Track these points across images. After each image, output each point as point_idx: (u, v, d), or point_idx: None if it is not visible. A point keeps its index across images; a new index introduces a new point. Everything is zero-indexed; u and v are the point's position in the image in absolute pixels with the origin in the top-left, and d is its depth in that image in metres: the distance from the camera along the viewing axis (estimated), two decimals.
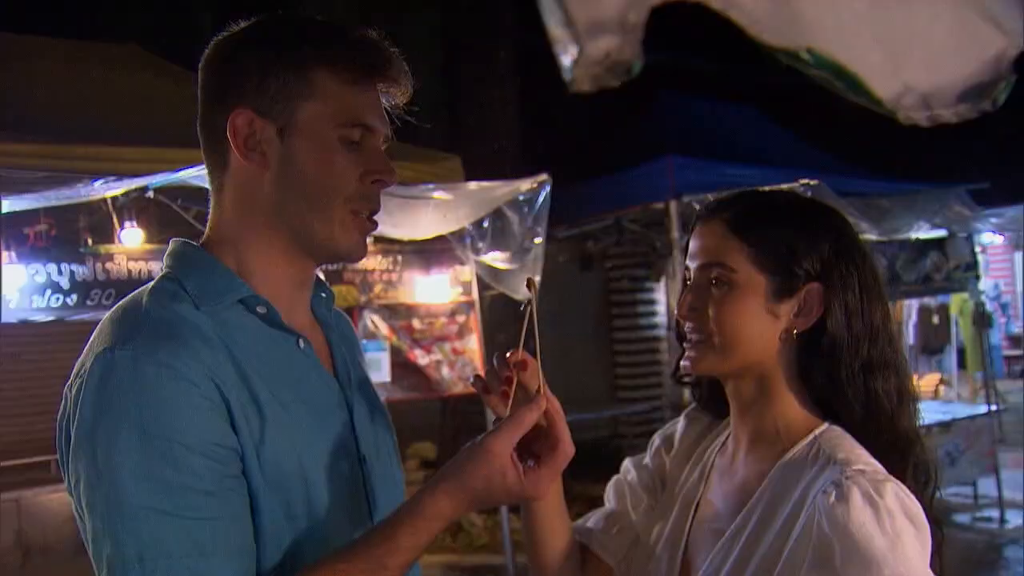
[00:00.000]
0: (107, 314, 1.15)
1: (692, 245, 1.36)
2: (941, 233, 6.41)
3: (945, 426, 6.12)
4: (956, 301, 7.97)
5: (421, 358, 5.20)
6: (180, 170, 3.92)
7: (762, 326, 1.30)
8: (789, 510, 1.24)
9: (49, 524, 4.66)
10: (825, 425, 1.30)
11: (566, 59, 0.64)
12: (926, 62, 0.87)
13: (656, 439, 1.58)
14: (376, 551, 1.08)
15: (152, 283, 1.17)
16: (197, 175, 3.95)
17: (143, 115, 4.75)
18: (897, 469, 1.24)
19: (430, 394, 5.35)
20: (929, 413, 6.11)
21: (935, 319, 8.19)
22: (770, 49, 0.76)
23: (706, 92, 8.67)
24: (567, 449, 1.19)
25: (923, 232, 6.28)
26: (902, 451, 1.28)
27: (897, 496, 1.17)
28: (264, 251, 1.19)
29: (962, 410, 6.76)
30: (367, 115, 1.19)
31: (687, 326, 1.35)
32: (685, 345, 1.36)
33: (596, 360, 9.11)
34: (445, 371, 5.28)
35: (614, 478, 1.57)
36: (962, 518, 6.61)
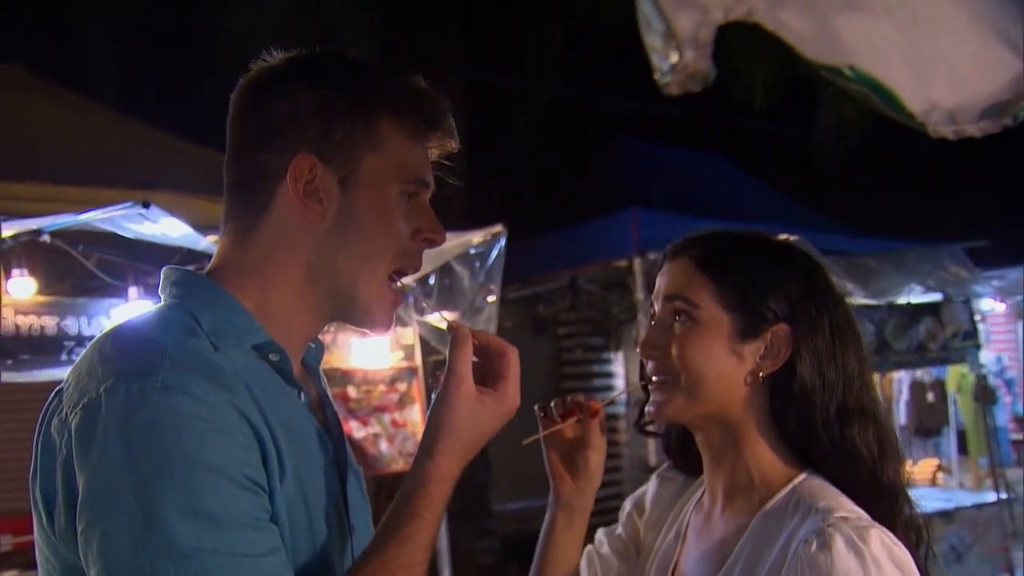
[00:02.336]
0: (96, 342, 1.19)
1: (659, 282, 1.48)
2: (936, 297, 6.61)
3: (947, 516, 6.19)
4: (953, 376, 8.11)
5: (357, 431, 5.18)
6: (84, 212, 3.89)
7: (726, 367, 1.40)
8: (770, 564, 1.32)
9: None
10: (804, 474, 1.40)
11: (665, 65, 0.84)
12: (950, 81, 1.04)
13: (627, 504, 1.69)
14: (402, 532, 1.18)
15: (157, 310, 1.23)
16: (103, 218, 3.94)
17: (36, 147, 4.72)
18: (884, 523, 1.31)
19: (366, 471, 5.18)
20: (927, 500, 6.05)
21: (930, 396, 8.33)
22: (815, 65, 0.94)
23: (673, 139, 8.89)
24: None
25: (915, 296, 6.48)
26: (887, 504, 1.37)
27: (883, 543, 1.26)
28: (294, 301, 1.27)
29: (966, 498, 6.85)
30: (426, 171, 1.30)
31: (650, 367, 1.46)
32: (650, 388, 1.46)
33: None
34: (384, 446, 5.27)
35: (587, 548, 1.66)
36: None
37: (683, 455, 1.59)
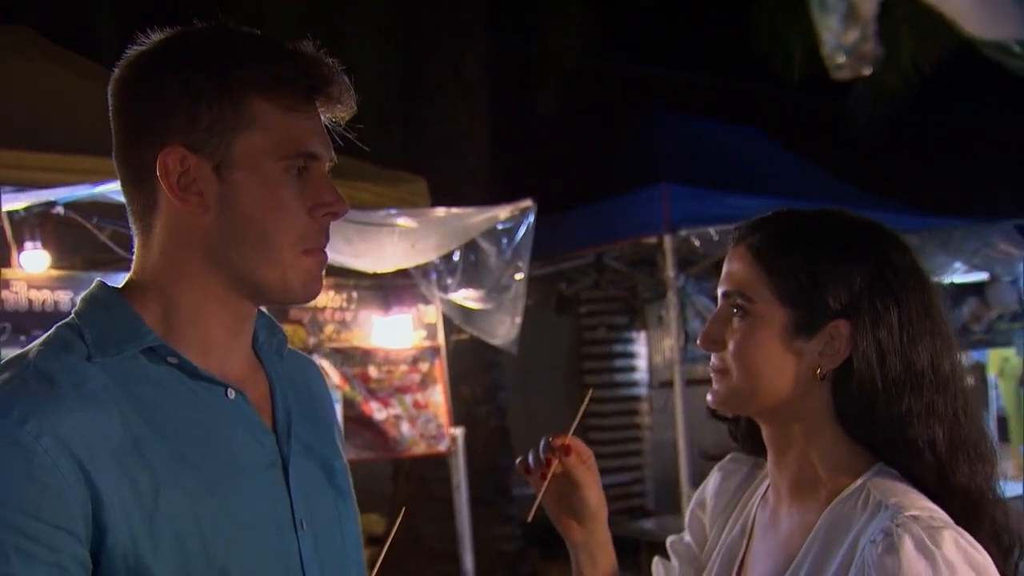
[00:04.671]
0: None
1: (723, 270, 1.46)
2: (981, 276, 6.57)
3: None
4: (995, 359, 8.05)
5: (378, 412, 5.17)
6: (100, 184, 3.90)
7: (781, 364, 1.38)
8: (838, 563, 1.30)
9: None
10: (874, 469, 1.37)
11: (842, 48, 0.82)
12: None
13: (691, 504, 1.68)
14: None
15: (53, 328, 1.25)
16: (118, 190, 3.88)
17: (47, 114, 4.70)
18: (967, 526, 1.28)
19: (387, 454, 5.35)
20: None
21: (968, 380, 8.25)
22: (978, 42, 0.89)
23: (704, 110, 8.86)
24: None
25: (960, 275, 6.43)
26: (963, 507, 1.32)
27: (958, 545, 1.22)
28: (198, 297, 1.26)
29: (1009, 489, 6.73)
30: (311, 142, 1.26)
31: (712, 356, 1.45)
32: (711, 375, 1.46)
33: (565, 421, 9.02)
34: (405, 427, 5.26)
35: (655, 559, 1.67)
36: None
37: (750, 441, 1.57)
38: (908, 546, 1.21)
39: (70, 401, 1.14)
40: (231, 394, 1.27)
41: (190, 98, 1.21)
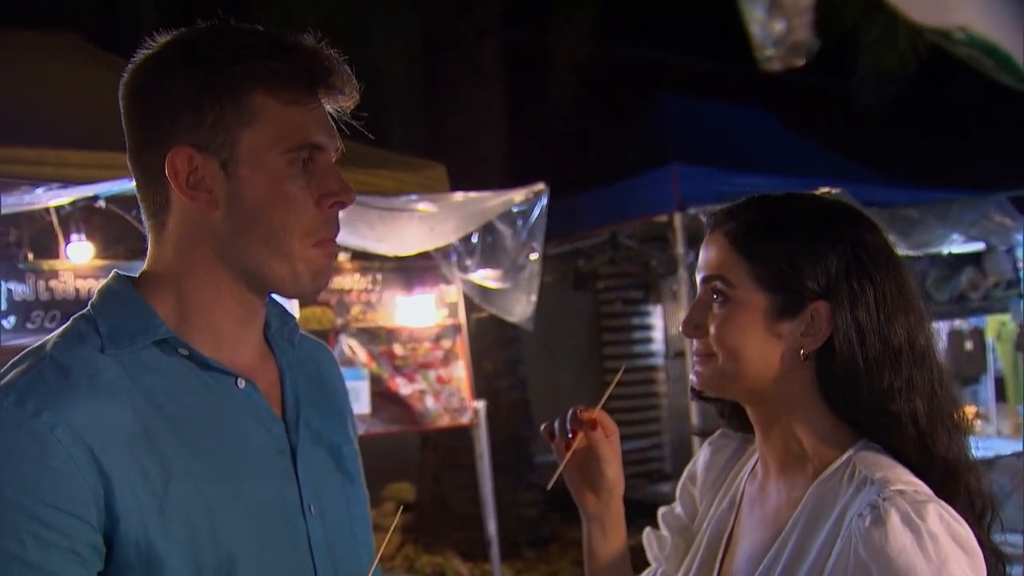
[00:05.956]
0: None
1: (700, 256, 1.42)
2: (978, 247, 6.49)
3: (987, 464, 6.13)
4: (992, 324, 7.99)
5: (403, 387, 5.21)
6: None
7: (764, 346, 1.35)
8: (825, 536, 1.28)
9: None
10: (859, 444, 1.34)
11: (769, 39, 0.79)
12: None
13: (683, 477, 1.65)
14: None
15: (70, 320, 1.23)
16: None
17: (89, 115, 4.70)
18: (945, 495, 1.27)
19: (413, 427, 5.38)
20: None
21: (968, 345, 8.21)
22: (922, 28, 0.86)
23: (711, 93, 8.78)
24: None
25: (957, 246, 6.36)
26: (942, 476, 1.31)
27: (941, 518, 1.21)
28: (210, 291, 1.24)
29: (1006, 446, 6.74)
30: (314, 134, 1.22)
31: (694, 341, 1.41)
32: (693, 359, 1.43)
33: (585, 391, 9.09)
34: (430, 402, 5.30)
35: (646, 530, 1.65)
36: (1014, 571, 6.59)
37: (737, 420, 1.53)
38: (894, 519, 1.20)
39: (84, 392, 1.13)
40: (241, 384, 1.25)
41: (193, 98, 1.18)
